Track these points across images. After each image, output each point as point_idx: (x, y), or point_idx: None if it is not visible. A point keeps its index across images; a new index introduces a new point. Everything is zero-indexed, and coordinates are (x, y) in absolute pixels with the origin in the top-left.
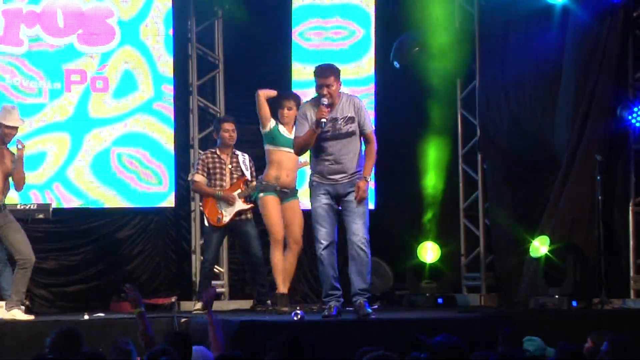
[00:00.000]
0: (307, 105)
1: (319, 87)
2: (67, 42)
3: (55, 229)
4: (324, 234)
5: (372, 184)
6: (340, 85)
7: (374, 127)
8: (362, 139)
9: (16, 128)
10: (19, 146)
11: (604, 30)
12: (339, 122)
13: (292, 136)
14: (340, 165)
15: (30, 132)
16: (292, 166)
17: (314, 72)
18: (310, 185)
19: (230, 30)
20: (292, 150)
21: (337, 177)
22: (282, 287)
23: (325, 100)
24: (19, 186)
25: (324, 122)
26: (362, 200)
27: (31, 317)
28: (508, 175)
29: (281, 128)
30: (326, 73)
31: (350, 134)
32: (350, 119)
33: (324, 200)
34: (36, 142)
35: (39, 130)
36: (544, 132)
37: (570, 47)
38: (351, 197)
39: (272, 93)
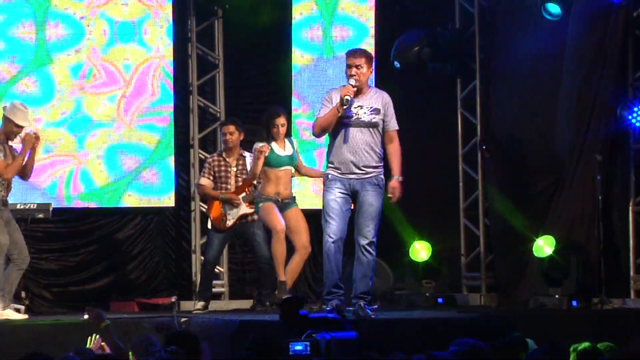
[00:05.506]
0: (333, 91)
1: (348, 67)
2: (67, 41)
3: (55, 229)
4: (334, 229)
5: None
6: (371, 72)
7: (397, 127)
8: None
9: (22, 127)
10: (34, 136)
11: (607, 31)
12: (364, 111)
13: (285, 152)
14: (356, 156)
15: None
16: (288, 179)
17: (346, 53)
18: (326, 179)
19: (230, 30)
20: (288, 167)
21: (352, 168)
22: (283, 276)
23: (352, 81)
24: (27, 176)
25: (348, 99)
26: (397, 200)
27: (25, 317)
28: (509, 175)
29: (274, 147)
30: (357, 54)
31: (373, 125)
32: (376, 110)
33: (338, 193)
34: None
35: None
36: (546, 132)
37: (571, 47)
38: (368, 197)
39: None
